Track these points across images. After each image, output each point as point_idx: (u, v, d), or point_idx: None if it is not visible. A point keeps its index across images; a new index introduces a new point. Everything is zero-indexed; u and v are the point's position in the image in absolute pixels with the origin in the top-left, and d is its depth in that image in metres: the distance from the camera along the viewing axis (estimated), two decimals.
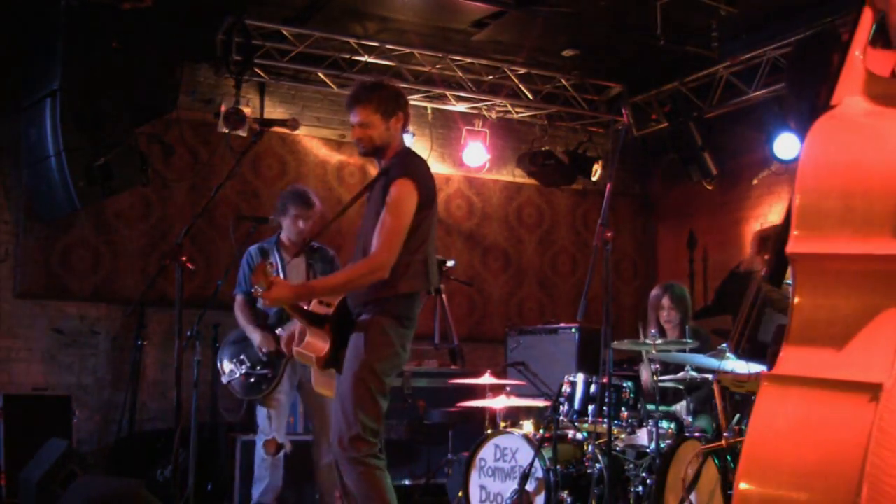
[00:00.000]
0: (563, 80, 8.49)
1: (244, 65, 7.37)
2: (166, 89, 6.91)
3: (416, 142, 8.17)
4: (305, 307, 3.97)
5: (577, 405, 5.14)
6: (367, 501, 3.70)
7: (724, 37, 7.37)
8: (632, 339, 5.27)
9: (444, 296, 7.13)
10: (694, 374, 4.97)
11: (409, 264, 3.78)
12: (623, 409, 5.10)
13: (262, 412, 5.32)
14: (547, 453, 4.99)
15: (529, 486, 4.98)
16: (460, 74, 8.12)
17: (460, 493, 5.40)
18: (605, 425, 4.72)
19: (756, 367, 4.38)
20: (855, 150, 2.08)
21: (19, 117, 6.65)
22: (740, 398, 4.54)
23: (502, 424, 5.53)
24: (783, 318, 2.24)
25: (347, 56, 7.71)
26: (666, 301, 5.70)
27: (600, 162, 8.74)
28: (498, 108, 8.67)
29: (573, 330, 7.37)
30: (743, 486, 2.00)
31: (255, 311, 5.37)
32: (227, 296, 5.72)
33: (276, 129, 6.85)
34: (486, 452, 5.30)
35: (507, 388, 5.73)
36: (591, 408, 5.10)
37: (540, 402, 5.75)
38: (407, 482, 6.62)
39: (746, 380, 4.30)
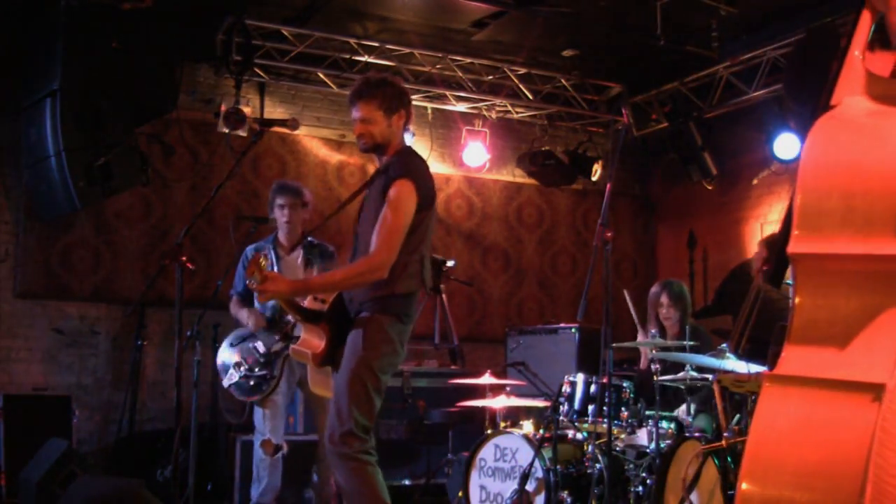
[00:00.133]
0: (563, 80, 8.49)
1: (244, 65, 7.37)
2: (166, 89, 6.91)
3: (416, 142, 8.17)
4: (301, 303, 3.97)
5: (577, 405, 5.14)
6: (359, 498, 3.68)
7: (724, 37, 7.37)
8: (632, 339, 5.28)
9: (444, 296, 7.13)
10: (694, 373, 4.97)
11: (407, 264, 3.78)
12: (623, 409, 5.10)
13: (258, 412, 5.33)
14: (547, 453, 4.98)
15: (529, 486, 4.98)
16: (460, 74, 8.12)
17: (460, 493, 5.40)
18: (605, 425, 4.72)
19: (756, 368, 4.39)
20: (855, 150, 2.08)
21: (19, 117, 6.65)
22: (740, 398, 4.54)
23: (502, 424, 5.53)
24: (782, 317, 2.24)
25: (347, 56, 7.71)
26: (664, 298, 5.70)
27: (600, 162, 8.74)
28: (498, 108, 8.67)
29: (573, 330, 7.37)
30: (745, 486, 2.00)
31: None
32: (226, 296, 5.71)
33: (276, 129, 6.83)
34: (486, 452, 5.30)
35: (507, 388, 5.73)
36: (591, 408, 5.09)
37: (540, 402, 5.75)
38: (407, 482, 6.62)
39: (747, 380, 4.30)
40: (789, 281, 2.16)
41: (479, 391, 5.99)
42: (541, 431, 5.11)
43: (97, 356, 7.20)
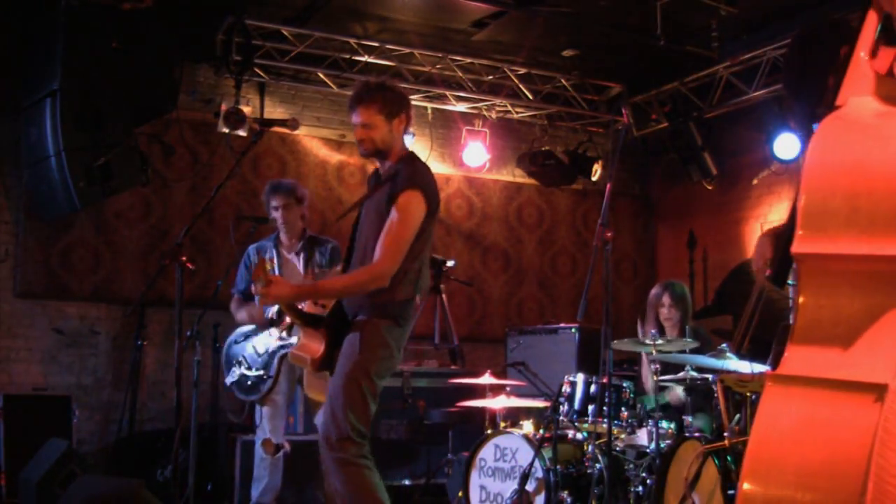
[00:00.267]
0: (563, 80, 8.50)
1: (244, 65, 7.36)
2: (166, 89, 6.90)
3: (416, 142, 8.17)
4: (301, 307, 3.97)
5: (577, 405, 5.14)
6: (358, 503, 3.65)
7: (724, 37, 7.37)
8: (632, 338, 5.27)
9: (444, 296, 7.15)
10: (694, 373, 4.97)
11: (407, 271, 3.77)
12: (623, 409, 5.10)
13: (258, 412, 5.34)
14: (547, 453, 4.98)
15: (529, 486, 4.98)
16: (460, 74, 8.12)
17: (460, 493, 5.40)
18: (605, 425, 4.72)
19: (760, 368, 4.39)
20: (860, 150, 2.08)
21: (19, 117, 6.65)
22: (740, 398, 4.54)
23: (502, 424, 5.53)
24: (783, 317, 2.24)
25: (347, 56, 7.71)
26: (666, 299, 5.69)
27: (600, 162, 8.74)
28: (498, 108, 8.67)
29: (573, 330, 7.37)
30: (747, 486, 2.00)
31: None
32: (227, 296, 5.71)
33: (276, 129, 6.84)
34: (486, 452, 5.30)
35: (507, 388, 5.72)
36: (591, 408, 5.09)
37: (540, 402, 5.75)
38: (407, 482, 6.62)
39: (750, 380, 4.30)
40: (791, 282, 2.16)
41: (479, 391, 5.98)
42: (541, 431, 5.11)
43: (97, 356, 7.20)
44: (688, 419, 5.14)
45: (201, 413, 5.83)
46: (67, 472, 5.16)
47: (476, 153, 8.55)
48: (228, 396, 6.69)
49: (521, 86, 8.40)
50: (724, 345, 4.85)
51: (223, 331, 6.35)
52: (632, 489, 4.93)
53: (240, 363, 5.32)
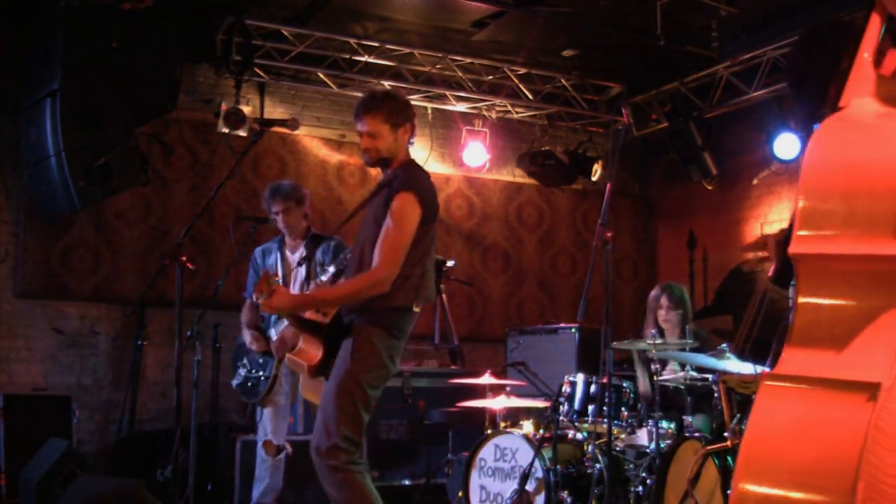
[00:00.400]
0: (563, 80, 8.50)
1: (244, 65, 7.36)
2: (166, 89, 6.90)
3: (416, 142, 8.15)
4: (302, 314, 3.96)
5: (577, 405, 5.14)
6: None
7: (724, 37, 7.37)
8: (632, 338, 5.27)
9: (444, 296, 7.13)
10: (694, 374, 4.97)
11: (408, 277, 3.74)
12: (623, 409, 5.10)
13: (260, 412, 5.34)
14: (547, 453, 4.98)
15: (529, 486, 4.98)
16: (460, 74, 8.12)
17: (460, 493, 5.40)
18: (605, 425, 4.72)
19: (762, 368, 4.39)
20: (858, 150, 2.08)
21: (19, 117, 6.65)
22: (741, 398, 4.54)
23: (502, 424, 5.53)
24: (784, 317, 2.24)
25: (347, 56, 7.71)
26: (665, 300, 5.70)
27: (600, 162, 8.74)
28: (498, 108, 8.67)
29: (573, 330, 7.37)
30: (741, 484, 2.00)
31: (259, 314, 5.38)
32: (227, 296, 5.72)
33: (276, 129, 6.84)
34: (486, 452, 5.30)
35: (507, 388, 5.73)
36: (591, 408, 5.10)
37: (540, 402, 5.75)
38: (407, 482, 6.62)
39: (752, 381, 4.30)
40: (794, 283, 2.16)
41: (479, 391, 5.99)
42: (541, 431, 5.11)
43: (97, 356, 7.20)
44: (688, 419, 5.14)
45: (201, 413, 5.83)
46: (67, 472, 5.16)
47: (476, 153, 8.55)
48: (229, 397, 6.70)
49: (521, 86, 8.40)
50: (724, 345, 4.85)
51: (223, 331, 6.35)
52: (632, 489, 4.93)
53: (244, 365, 5.33)
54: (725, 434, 4.42)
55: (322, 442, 3.64)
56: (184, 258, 4.37)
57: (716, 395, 4.74)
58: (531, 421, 5.56)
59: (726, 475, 4.39)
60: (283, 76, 7.88)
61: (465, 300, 8.56)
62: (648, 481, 4.85)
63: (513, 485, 5.08)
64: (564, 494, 4.92)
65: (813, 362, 2.03)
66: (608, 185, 4.35)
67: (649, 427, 4.96)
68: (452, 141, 8.74)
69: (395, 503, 6.19)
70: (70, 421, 6.47)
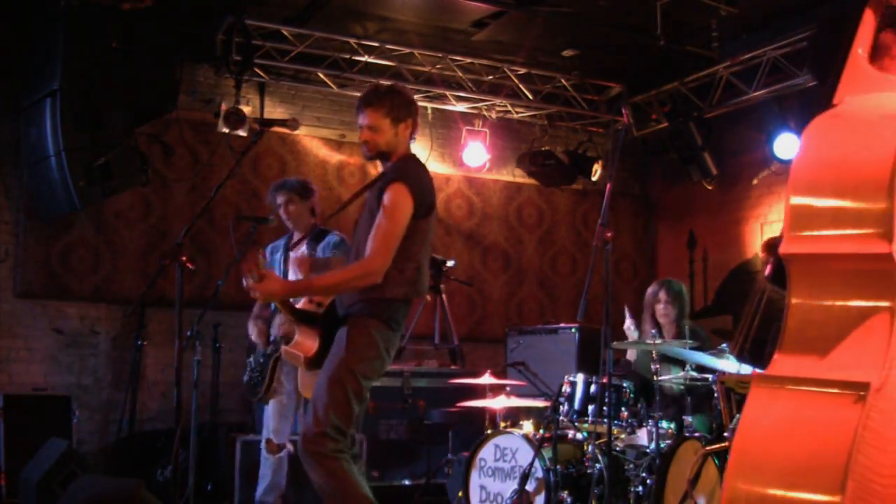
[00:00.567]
0: (563, 80, 8.49)
1: (244, 65, 7.36)
2: (166, 89, 6.91)
3: (416, 142, 8.15)
4: (297, 305, 3.95)
5: (577, 405, 5.14)
6: (339, 496, 3.61)
7: (724, 37, 7.37)
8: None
9: (444, 296, 7.13)
10: (694, 373, 4.97)
11: (403, 270, 3.73)
12: (623, 409, 5.10)
13: (262, 411, 5.34)
14: (547, 453, 4.98)
15: (529, 486, 4.98)
16: (460, 74, 8.12)
17: (460, 493, 5.40)
18: (605, 425, 4.71)
19: (759, 369, 4.39)
20: (847, 148, 2.07)
21: (19, 117, 6.65)
22: (740, 398, 4.54)
23: (502, 424, 5.53)
24: (780, 318, 2.24)
25: (347, 56, 7.71)
26: (663, 295, 5.68)
27: (600, 162, 8.74)
28: (498, 108, 8.67)
29: (573, 330, 7.36)
30: (732, 483, 2.01)
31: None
32: (227, 296, 5.72)
33: (276, 129, 6.85)
34: (486, 452, 5.30)
35: (507, 388, 5.72)
36: (591, 408, 5.09)
37: (540, 402, 5.75)
38: (407, 482, 6.62)
39: (750, 381, 4.29)
40: None
41: (479, 391, 5.98)
42: (541, 431, 5.11)
43: (97, 356, 7.21)
44: (688, 419, 5.14)
45: (201, 413, 5.83)
46: (67, 472, 5.16)
47: (476, 153, 8.56)
48: (229, 397, 6.71)
49: (521, 86, 8.39)
50: (723, 345, 4.85)
51: (223, 331, 6.34)
52: (632, 489, 4.93)
53: (250, 363, 5.35)
54: (725, 434, 4.42)
55: (310, 429, 3.63)
56: (184, 258, 4.37)
57: (715, 395, 4.74)
58: (531, 421, 5.56)
59: None
60: (283, 76, 7.88)
61: (465, 300, 8.56)
62: (648, 481, 4.85)
63: (513, 485, 5.08)
64: (564, 494, 4.92)
65: (804, 362, 2.03)
66: (608, 185, 4.35)
67: (649, 427, 4.96)
68: (452, 141, 8.74)
69: (394, 503, 6.20)
70: (70, 421, 6.47)
